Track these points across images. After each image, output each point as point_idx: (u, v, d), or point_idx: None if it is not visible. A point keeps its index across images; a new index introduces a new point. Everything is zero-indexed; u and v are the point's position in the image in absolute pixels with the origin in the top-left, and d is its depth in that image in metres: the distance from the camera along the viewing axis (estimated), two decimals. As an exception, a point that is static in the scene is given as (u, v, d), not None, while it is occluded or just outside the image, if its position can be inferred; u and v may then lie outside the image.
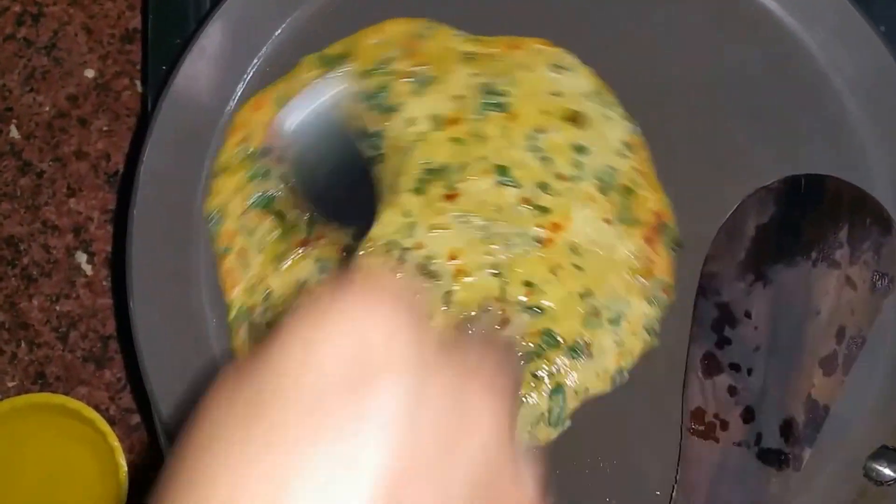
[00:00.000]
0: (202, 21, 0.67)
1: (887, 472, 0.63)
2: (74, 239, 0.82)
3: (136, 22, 0.84)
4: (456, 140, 0.67)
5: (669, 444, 0.65)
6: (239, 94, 0.70)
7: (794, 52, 0.69)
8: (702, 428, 0.64)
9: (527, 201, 0.67)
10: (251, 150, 0.67)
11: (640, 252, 0.67)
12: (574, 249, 0.67)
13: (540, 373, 0.65)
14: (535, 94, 0.68)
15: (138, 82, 0.84)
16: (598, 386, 0.65)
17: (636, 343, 0.66)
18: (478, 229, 0.66)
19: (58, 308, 0.81)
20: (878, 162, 0.67)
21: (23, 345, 0.81)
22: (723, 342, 0.65)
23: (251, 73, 0.70)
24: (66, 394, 0.79)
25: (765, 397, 0.64)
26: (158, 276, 0.66)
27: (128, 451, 0.79)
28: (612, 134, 0.68)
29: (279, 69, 0.70)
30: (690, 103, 0.69)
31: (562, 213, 0.67)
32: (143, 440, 0.79)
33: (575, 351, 0.65)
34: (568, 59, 0.69)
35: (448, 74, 0.68)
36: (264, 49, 0.70)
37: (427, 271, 0.66)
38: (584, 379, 0.65)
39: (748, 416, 0.63)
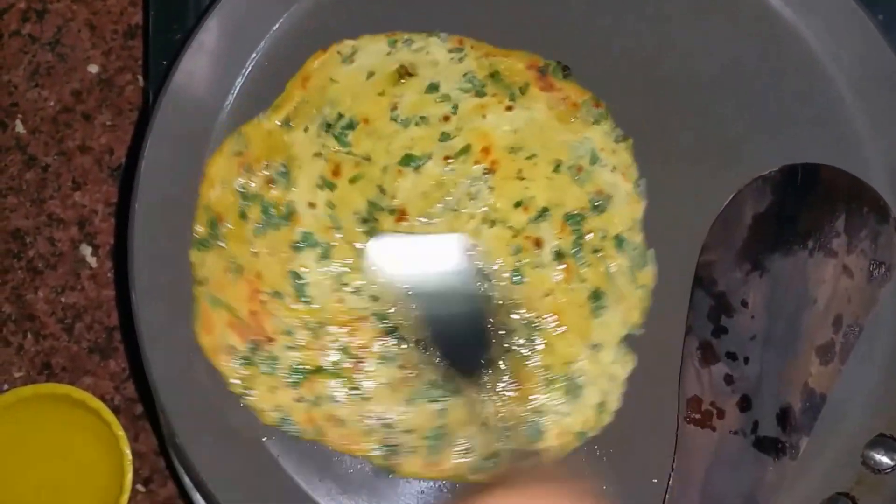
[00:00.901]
0: (201, 16, 0.68)
1: (885, 459, 0.63)
2: (79, 232, 0.83)
3: (139, 18, 0.84)
4: None
5: (666, 433, 0.65)
6: (238, 88, 0.70)
7: (790, 42, 0.70)
8: (698, 416, 0.64)
9: (447, 158, 0.68)
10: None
11: (551, 100, 0.69)
12: (512, 150, 0.68)
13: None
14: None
15: (141, 77, 0.85)
16: None
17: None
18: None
19: (63, 300, 0.82)
20: (875, 151, 0.68)
21: (29, 336, 0.82)
22: (719, 331, 0.65)
23: (250, 68, 0.70)
24: (72, 384, 0.80)
25: (761, 386, 0.64)
26: (159, 267, 0.67)
27: (133, 440, 0.80)
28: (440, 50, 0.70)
29: (278, 63, 0.71)
30: (686, 95, 0.70)
31: (476, 136, 0.69)
32: (147, 429, 0.80)
33: None
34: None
35: None
36: (263, 43, 0.71)
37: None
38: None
39: (744, 404, 0.64)
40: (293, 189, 0.68)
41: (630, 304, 0.67)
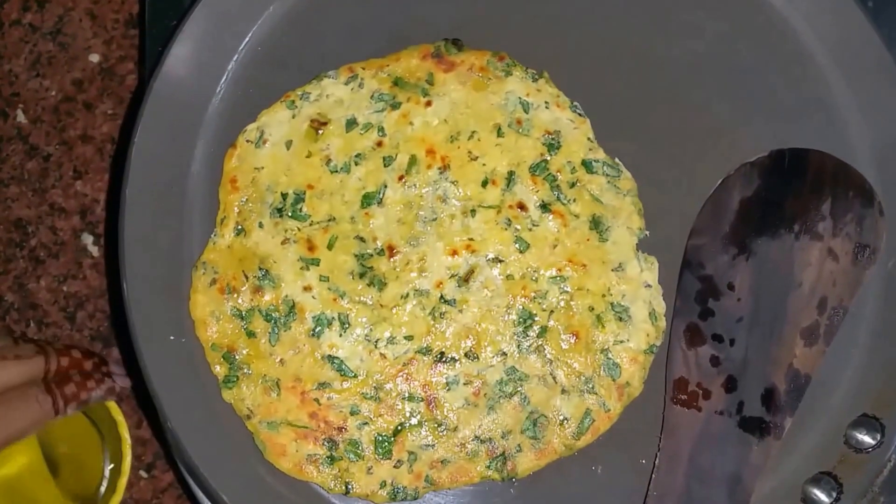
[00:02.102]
0: (193, 2, 0.68)
1: (867, 439, 0.64)
2: (81, 221, 0.84)
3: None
4: None
5: (655, 413, 0.66)
6: (230, 73, 0.71)
7: (778, 28, 0.70)
8: (684, 397, 0.65)
9: (401, 178, 0.68)
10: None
11: (459, 76, 0.70)
12: (452, 138, 0.69)
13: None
14: None
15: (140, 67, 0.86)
16: None
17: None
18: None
19: (65, 289, 0.83)
20: (861, 136, 0.68)
21: (32, 325, 0.83)
22: (706, 314, 0.66)
23: (242, 53, 0.71)
24: (75, 371, 0.81)
25: (747, 367, 0.65)
26: (151, 253, 0.67)
27: (135, 426, 0.81)
28: (337, 87, 0.71)
29: (269, 50, 0.71)
30: (674, 81, 0.70)
31: (414, 144, 0.69)
32: (148, 416, 0.81)
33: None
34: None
35: None
36: (255, 28, 0.71)
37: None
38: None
39: (730, 385, 0.65)
40: (282, 285, 0.67)
41: (626, 213, 0.68)
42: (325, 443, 0.66)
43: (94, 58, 0.86)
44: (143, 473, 0.81)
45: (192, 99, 0.69)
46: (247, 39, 0.71)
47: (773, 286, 0.66)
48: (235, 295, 0.67)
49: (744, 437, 0.64)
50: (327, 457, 0.66)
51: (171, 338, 0.67)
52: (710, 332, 0.66)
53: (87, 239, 0.84)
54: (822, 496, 0.64)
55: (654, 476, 0.65)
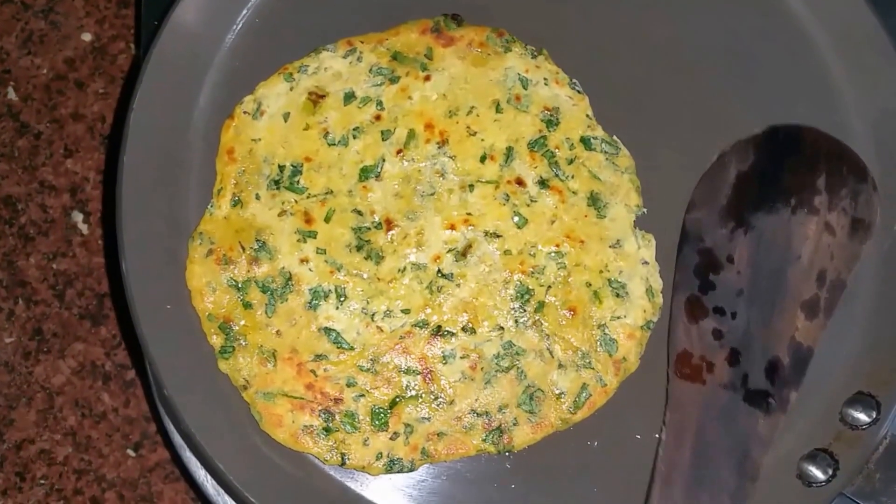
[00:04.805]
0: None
1: (862, 416, 0.64)
2: (71, 199, 0.83)
3: (133, -14, 0.85)
4: None
5: (651, 389, 0.66)
6: (228, 44, 0.70)
7: (773, 6, 0.71)
8: (688, 371, 0.65)
9: (399, 152, 0.68)
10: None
11: (458, 51, 0.70)
12: (451, 113, 0.69)
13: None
14: None
15: (133, 46, 0.85)
16: None
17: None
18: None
19: (55, 266, 0.83)
20: (858, 113, 0.69)
21: (20, 302, 0.82)
22: (706, 287, 0.66)
23: (241, 24, 0.71)
24: (63, 350, 0.81)
25: (749, 340, 0.65)
26: (148, 227, 0.67)
27: (123, 405, 0.81)
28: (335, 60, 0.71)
29: (269, 21, 0.71)
30: (671, 60, 0.71)
31: (412, 118, 0.69)
32: (138, 395, 0.81)
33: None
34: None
35: None
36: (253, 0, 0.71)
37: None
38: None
39: (734, 358, 0.65)
40: (279, 256, 0.67)
41: (624, 190, 0.68)
42: (322, 414, 0.65)
43: (87, 37, 0.86)
44: (130, 452, 0.80)
45: (189, 69, 0.69)
46: (245, 11, 0.71)
47: (771, 259, 0.66)
48: (232, 266, 0.67)
49: (749, 411, 0.64)
50: (323, 428, 0.65)
51: (168, 307, 0.66)
52: (711, 304, 0.66)
53: (77, 217, 0.83)
54: (818, 472, 0.64)
55: (659, 451, 0.64)
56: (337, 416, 0.65)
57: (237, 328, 0.66)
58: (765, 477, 0.64)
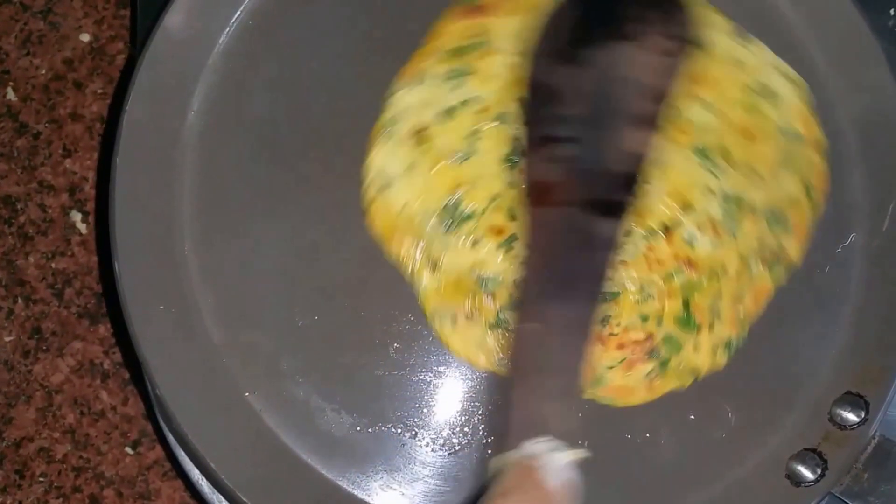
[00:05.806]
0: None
1: (851, 416, 0.65)
2: (69, 198, 0.84)
3: (131, -14, 0.86)
4: None
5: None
6: (221, 45, 0.71)
7: (761, 5, 0.72)
8: (542, 197, 0.64)
9: None
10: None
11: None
12: None
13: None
14: None
15: (130, 46, 0.86)
16: None
17: None
18: None
19: (53, 265, 0.83)
20: (842, 112, 0.69)
21: (19, 301, 0.83)
22: (551, 120, 0.66)
23: (234, 26, 0.71)
24: (62, 349, 0.81)
25: (595, 159, 0.64)
26: (141, 227, 0.67)
27: (121, 404, 0.81)
28: None
29: (262, 21, 0.71)
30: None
31: None
32: (136, 393, 0.82)
33: None
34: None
35: None
36: (247, 1, 0.71)
37: None
38: None
39: (581, 178, 0.64)
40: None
41: None
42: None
43: (85, 37, 0.86)
44: (128, 450, 0.81)
45: (182, 70, 0.69)
46: (238, 13, 0.71)
47: (606, 85, 0.65)
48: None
49: (597, 219, 0.63)
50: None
51: (161, 307, 0.67)
52: (554, 134, 0.65)
53: (76, 216, 0.84)
54: (806, 472, 0.64)
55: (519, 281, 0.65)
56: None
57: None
58: (753, 477, 0.65)
